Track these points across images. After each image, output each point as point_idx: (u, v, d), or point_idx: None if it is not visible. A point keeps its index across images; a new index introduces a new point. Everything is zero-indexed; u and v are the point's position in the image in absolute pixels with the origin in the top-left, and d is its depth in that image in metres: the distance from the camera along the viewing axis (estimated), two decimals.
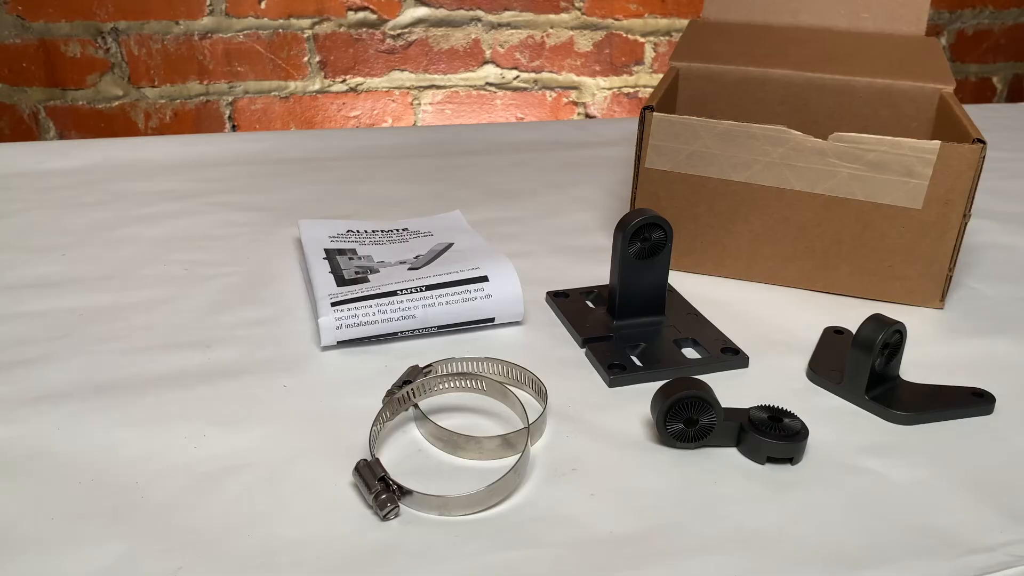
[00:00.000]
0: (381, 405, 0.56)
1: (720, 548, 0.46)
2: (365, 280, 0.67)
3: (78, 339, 0.64)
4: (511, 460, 0.52)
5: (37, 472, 0.50)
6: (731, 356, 0.63)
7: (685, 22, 1.51)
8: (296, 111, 1.48)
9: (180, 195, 0.90)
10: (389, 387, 0.57)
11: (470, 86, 1.53)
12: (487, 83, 1.53)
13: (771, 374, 0.62)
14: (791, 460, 0.53)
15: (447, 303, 0.64)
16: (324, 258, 0.71)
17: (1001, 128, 1.15)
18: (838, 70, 0.80)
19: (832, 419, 0.57)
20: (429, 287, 0.64)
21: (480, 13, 1.47)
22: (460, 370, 0.59)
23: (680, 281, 0.73)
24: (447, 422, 0.54)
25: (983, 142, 0.64)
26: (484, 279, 0.65)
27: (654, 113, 0.70)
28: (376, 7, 1.43)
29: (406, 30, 1.46)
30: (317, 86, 1.47)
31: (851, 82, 0.80)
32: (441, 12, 1.46)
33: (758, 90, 0.82)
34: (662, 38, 1.56)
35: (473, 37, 1.49)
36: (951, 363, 0.64)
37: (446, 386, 0.58)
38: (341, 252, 0.72)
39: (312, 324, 0.66)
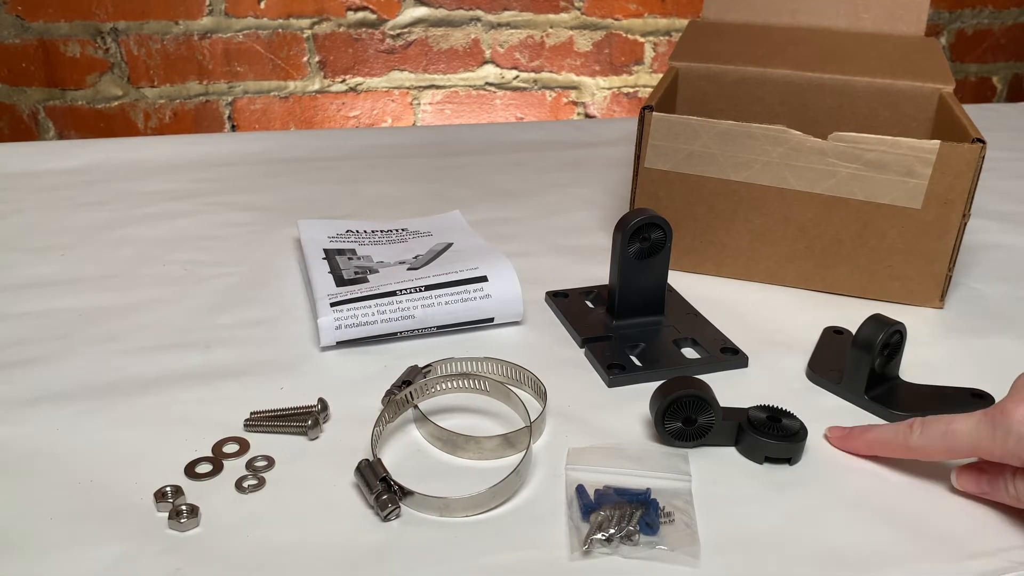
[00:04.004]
0: (381, 406, 0.56)
1: (718, 548, 0.46)
2: (364, 280, 0.67)
3: (78, 339, 0.64)
4: (511, 460, 0.52)
5: (37, 472, 0.50)
6: (731, 356, 0.63)
7: (685, 22, 1.51)
8: (296, 111, 1.48)
9: (180, 195, 0.90)
10: (389, 387, 0.57)
11: (470, 86, 1.53)
12: (487, 83, 1.53)
13: (771, 374, 0.62)
14: (789, 460, 0.53)
15: (446, 303, 0.64)
16: (323, 258, 0.70)
17: (1001, 128, 1.15)
18: (838, 70, 0.80)
19: (832, 419, 0.57)
20: (428, 287, 0.64)
21: (480, 13, 1.47)
22: (460, 370, 0.59)
23: (680, 281, 0.73)
24: (447, 422, 0.54)
25: (983, 142, 0.64)
26: (483, 279, 0.65)
27: (654, 113, 0.70)
28: (376, 7, 1.43)
29: (406, 30, 1.46)
30: (317, 86, 1.47)
31: (851, 82, 0.80)
32: (441, 12, 1.46)
33: (758, 90, 0.82)
34: (662, 38, 1.56)
35: (473, 37, 1.49)
36: (951, 363, 0.64)
37: (446, 386, 0.58)
38: (340, 252, 0.72)
39: (311, 324, 0.66)
